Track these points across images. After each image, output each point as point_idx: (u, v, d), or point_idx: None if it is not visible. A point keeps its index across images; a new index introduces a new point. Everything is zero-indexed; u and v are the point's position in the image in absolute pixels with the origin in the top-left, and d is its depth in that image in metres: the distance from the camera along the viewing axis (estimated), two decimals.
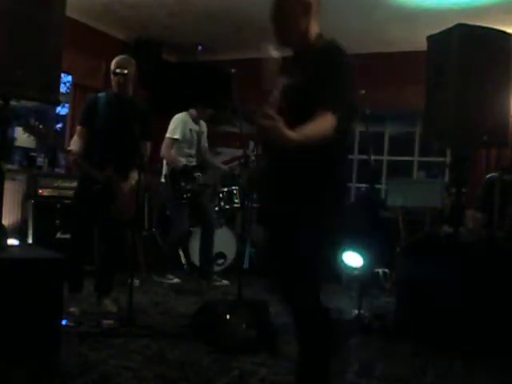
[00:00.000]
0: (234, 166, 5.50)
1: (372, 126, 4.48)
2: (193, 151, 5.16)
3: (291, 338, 3.40)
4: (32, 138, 3.36)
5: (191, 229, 5.57)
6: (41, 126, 3.27)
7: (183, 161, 5.05)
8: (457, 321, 3.29)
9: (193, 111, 5.16)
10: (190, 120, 5.15)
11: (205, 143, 5.33)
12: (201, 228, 5.26)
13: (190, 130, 5.12)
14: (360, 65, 7.41)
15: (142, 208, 5.37)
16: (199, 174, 5.07)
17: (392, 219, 5.53)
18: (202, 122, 5.29)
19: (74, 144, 3.71)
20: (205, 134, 5.31)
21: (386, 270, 5.28)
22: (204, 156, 5.30)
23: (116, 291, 3.94)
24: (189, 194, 4.97)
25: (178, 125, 5.07)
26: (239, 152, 5.63)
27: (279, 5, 2.22)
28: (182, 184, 4.96)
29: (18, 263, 2.78)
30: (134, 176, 3.61)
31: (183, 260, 5.68)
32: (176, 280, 5.06)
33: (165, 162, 5.13)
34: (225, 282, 5.13)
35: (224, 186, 5.63)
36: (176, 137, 5.03)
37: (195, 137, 5.16)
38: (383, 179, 6.81)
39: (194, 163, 5.13)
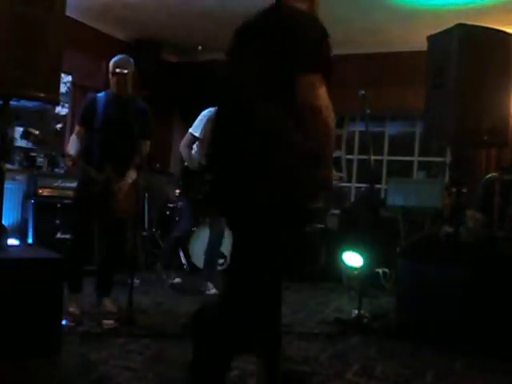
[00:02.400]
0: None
1: (372, 125, 4.48)
2: None
3: (291, 338, 3.42)
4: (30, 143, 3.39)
5: (192, 229, 5.56)
6: (37, 132, 3.27)
7: (202, 161, 4.64)
8: (457, 321, 3.29)
9: None
10: None
11: None
12: (209, 233, 4.95)
13: None
14: (360, 65, 7.39)
15: (141, 208, 5.37)
16: None
17: (392, 219, 5.53)
18: None
19: (73, 143, 3.70)
20: None
21: (386, 270, 5.28)
22: None
23: (116, 291, 3.94)
24: (198, 196, 4.61)
25: (201, 121, 4.61)
26: None
27: None
28: (194, 184, 4.64)
29: (18, 263, 2.79)
30: (132, 175, 3.62)
31: (183, 260, 5.68)
32: (177, 280, 4.99)
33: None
34: (213, 291, 4.68)
35: None
36: (196, 135, 4.61)
37: None
38: (383, 179, 6.81)
39: None
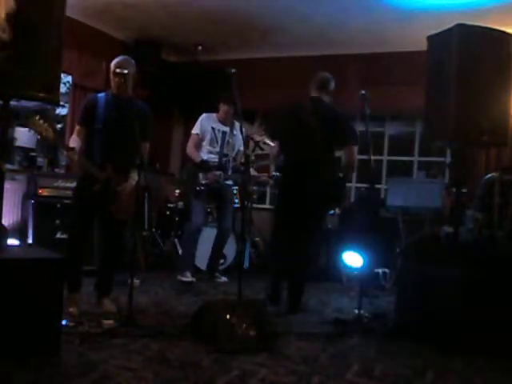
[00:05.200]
0: (266, 179, 5.52)
1: (372, 125, 4.48)
2: (215, 149, 5.17)
3: (291, 338, 3.42)
4: (34, 135, 3.38)
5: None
6: (45, 124, 3.28)
7: (203, 156, 5.10)
8: (457, 321, 3.29)
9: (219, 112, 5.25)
10: (216, 119, 5.20)
11: (239, 147, 5.29)
12: (217, 230, 5.33)
13: (213, 128, 5.16)
14: (360, 65, 7.39)
15: (141, 208, 5.37)
16: (220, 172, 5.07)
17: (392, 219, 5.53)
18: (237, 125, 5.16)
19: (74, 143, 3.70)
20: (237, 137, 5.24)
21: (386, 270, 5.28)
22: (238, 160, 5.32)
23: (116, 291, 3.94)
24: (202, 188, 5.00)
25: (198, 121, 5.21)
26: None
27: None
28: (199, 177, 5.02)
29: (18, 263, 2.79)
30: (134, 176, 3.61)
31: None
32: (191, 278, 5.00)
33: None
34: (224, 278, 5.30)
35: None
36: (195, 132, 5.17)
37: (219, 136, 5.17)
38: (383, 179, 6.81)
39: (215, 160, 5.14)
